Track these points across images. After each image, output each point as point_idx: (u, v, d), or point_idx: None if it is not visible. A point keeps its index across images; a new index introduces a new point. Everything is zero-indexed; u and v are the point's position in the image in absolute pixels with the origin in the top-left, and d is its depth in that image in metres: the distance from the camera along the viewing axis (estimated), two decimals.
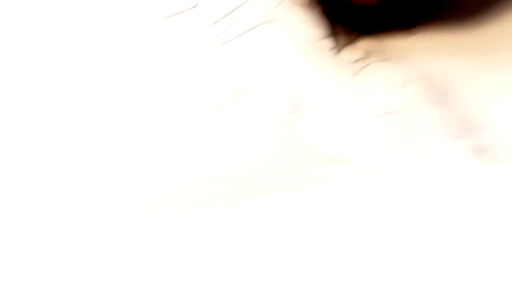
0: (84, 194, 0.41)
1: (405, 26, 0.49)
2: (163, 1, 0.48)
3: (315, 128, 0.44)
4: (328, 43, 0.48)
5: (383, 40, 0.48)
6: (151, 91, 0.45)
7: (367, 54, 0.48)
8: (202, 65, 0.45)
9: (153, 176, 0.43)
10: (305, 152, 0.43)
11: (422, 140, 0.43)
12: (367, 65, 0.47)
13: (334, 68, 0.46)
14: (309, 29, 0.48)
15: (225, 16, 0.47)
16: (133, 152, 0.43)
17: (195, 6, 0.48)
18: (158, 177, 0.43)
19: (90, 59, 0.47)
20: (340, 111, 0.44)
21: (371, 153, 0.42)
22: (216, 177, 0.43)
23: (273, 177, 0.41)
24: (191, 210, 0.41)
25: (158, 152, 0.44)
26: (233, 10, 0.46)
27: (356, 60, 0.47)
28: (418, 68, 0.47)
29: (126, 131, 0.44)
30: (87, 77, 0.46)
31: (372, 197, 0.40)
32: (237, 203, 0.41)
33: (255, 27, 0.47)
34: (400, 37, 0.48)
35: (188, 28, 0.47)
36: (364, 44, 0.48)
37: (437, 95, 0.45)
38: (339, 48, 0.47)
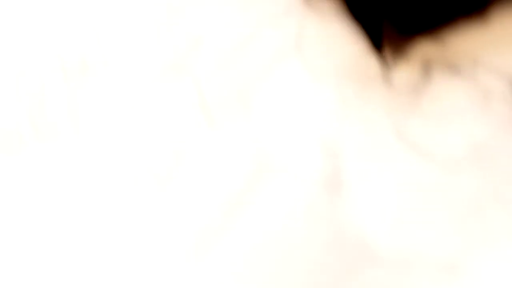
0: None
1: (473, 11, 0.35)
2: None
3: (365, 214, 0.32)
4: (373, 64, 0.35)
5: (446, 38, 0.35)
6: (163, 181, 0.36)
7: (428, 66, 0.35)
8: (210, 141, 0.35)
9: None
10: (355, 253, 0.32)
11: None
12: (430, 83, 0.34)
13: (385, 103, 0.34)
14: (342, 50, 0.35)
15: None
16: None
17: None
18: None
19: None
20: (396, 179, 0.32)
21: (448, 242, 0.32)
22: None
23: None
24: None
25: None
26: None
27: (414, 80, 0.35)
28: (505, 73, 0.34)
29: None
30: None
31: None
32: None
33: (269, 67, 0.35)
34: (470, 29, 0.35)
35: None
36: (421, 51, 0.35)
37: None
38: (388, 67, 0.35)
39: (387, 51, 0.34)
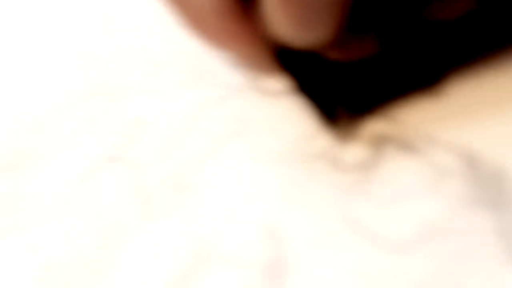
0: None
1: (426, 84, 0.33)
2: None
3: None
4: (321, 145, 0.32)
5: (398, 115, 0.33)
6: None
7: (379, 144, 0.33)
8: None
9: None
10: None
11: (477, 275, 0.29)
12: (380, 163, 0.32)
13: (333, 185, 0.31)
14: (290, 131, 0.33)
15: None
16: None
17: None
18: None
19: None
20: (342, 266, 0.29)
21: None
22: None
23: None
24: None
25: None
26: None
27: (365, 160, 0.33)
28: (460, 149, 0.32)
29: None
30: None
31: None
32: None
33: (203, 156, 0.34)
34: (423, 104, 0.33)
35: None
36: (373, 129, 0.33)
37: (492, 192, 0.30)
38: (338, 147, 0.33)
39: (338, 131, 0.32)
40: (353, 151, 0.32)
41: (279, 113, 0.34)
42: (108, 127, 0.36)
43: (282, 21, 0.29)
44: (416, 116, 0.32)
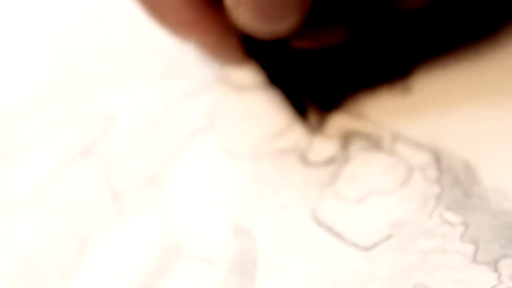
0: None
1: (394, 78, 0.32)
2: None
3: None
4: (291, 140, 0.31)
5: (365, 110, 0.32)
6: None
7: (347, 141, 0.32)
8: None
9: None
10: None
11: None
12: (348, 159, 0.31)
13: (302, 182, 0.30)
14: (260, 125, 0.32)
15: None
16: None
17: None
18: None
19: None
20: (311, 263, 0.28)
21: None
22: None
23: None
24: None
25: None
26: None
27: (332, 157, 0.32)
28: (427, 145, 0.31)
29: None
30: None
31: None
32: None
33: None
34: (390, 99, 0.32)
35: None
36: (340, 125, 0.32)
37: (460, 192, 0.30)
38: (307, 143, 0.32)
39: (307, 126, 0.32)
40: (322, 147, 0.31)
41: (250, 108, 0.34)
42: (81, 121, 0.36)
43: (245, 12, 0.28)
44: (384, 112, 0.31)
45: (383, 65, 0.32)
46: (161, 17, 0.31)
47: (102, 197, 0.34)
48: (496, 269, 0.27)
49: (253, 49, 0.32)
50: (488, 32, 0.32)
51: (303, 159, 0.32)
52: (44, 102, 0.37)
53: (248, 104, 0.34)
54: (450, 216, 0.28)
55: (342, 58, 0.33)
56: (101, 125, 0.36)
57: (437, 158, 0.29)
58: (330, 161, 0.31)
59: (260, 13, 0.28)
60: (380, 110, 0.31)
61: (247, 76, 0.34)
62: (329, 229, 0.29)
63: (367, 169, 0.30)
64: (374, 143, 0.31)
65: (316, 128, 0.32)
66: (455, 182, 0.29)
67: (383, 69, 0.32)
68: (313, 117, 0.32)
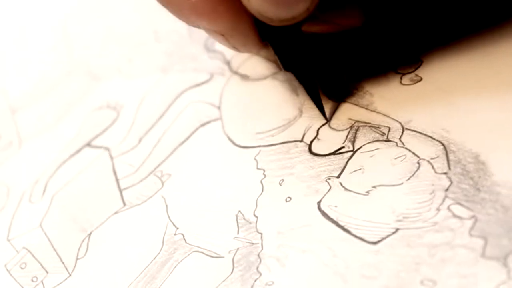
0: None
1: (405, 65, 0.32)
2: None
3: None
4: (297, 130, 0.31)
5: (375, 100, 0.32)
6: None
7: (355, 132, 0.31)
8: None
9: None
10: None
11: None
12: (355, 152, 0.31)
13: (309, 172, 0.30)
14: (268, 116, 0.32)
15: None
16: None
17: None
18: None
19: None
20: (317, 257, 0.28)
21: None
22: None
23: None
24: None
25: None
26: None
27: (341, 147, 0.32)
28: (437, 135, 0.31)
29: None
30: None
31: None
32: None
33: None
34: (400, 90, 0.31)
35: None
36: (349, 114, 0.31)
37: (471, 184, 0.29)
38: (312, 134, 0.31)
39: (316, 116, 0.32)
40: (329, 137, 0.31)
41: (257, 98, 0.33)
42: (85, 111, 0.36)
43: None
44: (392, 103, 0.31)
45: (393, 55, 0.32)
46: (172, 2, 0.30)
47: (106, 188, 0.34)
48: (505, 265, 0.26)
49: (266, 35, 0.32)
50: (501, 23, 0.31)
51: (310, 150, 0.31)
52: (47, 91, 0.37)
53: (255, 94, 0.34)
54: (459, 210, 0.28)
55: (353, 45, 0.32)
56: (106, 114, 0.36)
57: (446, 150, 0.29)
58: (336, 152, 0.31)
59: None
60: (389, 101, 0.31)
61: (255, 67, 0.34)
62: (335, 222, 0.29)
63: (374, 160, 0.30)
64: (382, 134, 0.30)
65: (326, 118, 0.32)
66: (464, 175, 0.28)
67: (393, 59, 0.32)
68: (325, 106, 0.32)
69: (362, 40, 0.32)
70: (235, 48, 0.32)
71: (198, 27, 0.31)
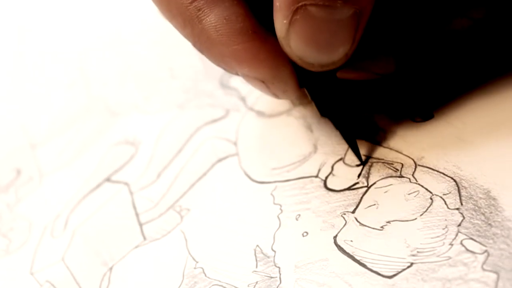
0: None
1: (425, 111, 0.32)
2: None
3: None
4: (313, 167, 0.32)
5: (388, 137, 0.32)
6: None
7: (370, 166, 0.31)
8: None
9: None
10: None
11: None
12: (370, 189, 0.32)
13: (324, 206, 0.31)
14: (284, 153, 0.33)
15: None
16: None
17: None
18: None
19: None
20: None
21: None
22: None
23: None
24: None
25: None
26: None
27: (355, 183, 0.32)
28: (453, 175, 0.31)
29: None
30: None
31: None
32: None
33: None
34: (413, 127, 0.32)
35: None
36: (362, 151, 0.31)
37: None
38: (327, 170, 0.32)
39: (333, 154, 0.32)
40: (343, 173, 0.32)
41: (273, 134, 0.34)
42: (104, 146, 0.37)
43: (297, 41, 0.28)
44: (405, 140, 0.32)
45: (409, 97, 0.33)
46: (209, 47, 0.30)
47: (127, 222, 0.34)
48: None
49: (303, 81, 0.32)
50: None
51: (325, 185, 0.32)
52: (66, 127, 0.38)
53: (271, 130, 0.34)
54: (472, 244, 0.28)
55: (383, 91, 0.33)
56: (125, 150, 0.36)
57: (458, 186, 0.30)
58: (351, 187, 0.31)
59: (312, 42, 0.28)
60: (401, 138, 0.32)
61: (271, 103, 0.35)
62: (351, 256, 0.30)
63: (388, 196, 0.31)
64: (395, 171, 0.31)
65: (362, 162, 0.32)
66: (476, 210, 0.29)
67: (409, 100, 0.33)
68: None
69: (392, 86, 0.33)
70: (275, 95, 0.32)
71: (237, 74, 0.31)
